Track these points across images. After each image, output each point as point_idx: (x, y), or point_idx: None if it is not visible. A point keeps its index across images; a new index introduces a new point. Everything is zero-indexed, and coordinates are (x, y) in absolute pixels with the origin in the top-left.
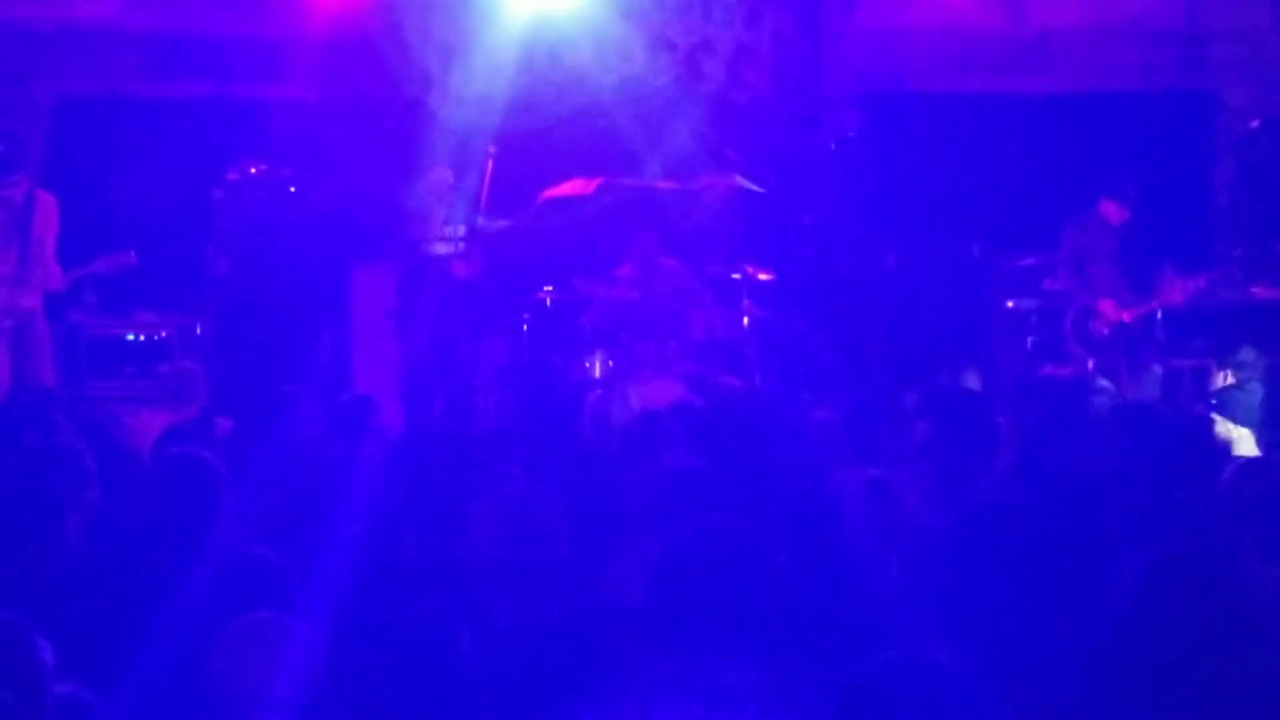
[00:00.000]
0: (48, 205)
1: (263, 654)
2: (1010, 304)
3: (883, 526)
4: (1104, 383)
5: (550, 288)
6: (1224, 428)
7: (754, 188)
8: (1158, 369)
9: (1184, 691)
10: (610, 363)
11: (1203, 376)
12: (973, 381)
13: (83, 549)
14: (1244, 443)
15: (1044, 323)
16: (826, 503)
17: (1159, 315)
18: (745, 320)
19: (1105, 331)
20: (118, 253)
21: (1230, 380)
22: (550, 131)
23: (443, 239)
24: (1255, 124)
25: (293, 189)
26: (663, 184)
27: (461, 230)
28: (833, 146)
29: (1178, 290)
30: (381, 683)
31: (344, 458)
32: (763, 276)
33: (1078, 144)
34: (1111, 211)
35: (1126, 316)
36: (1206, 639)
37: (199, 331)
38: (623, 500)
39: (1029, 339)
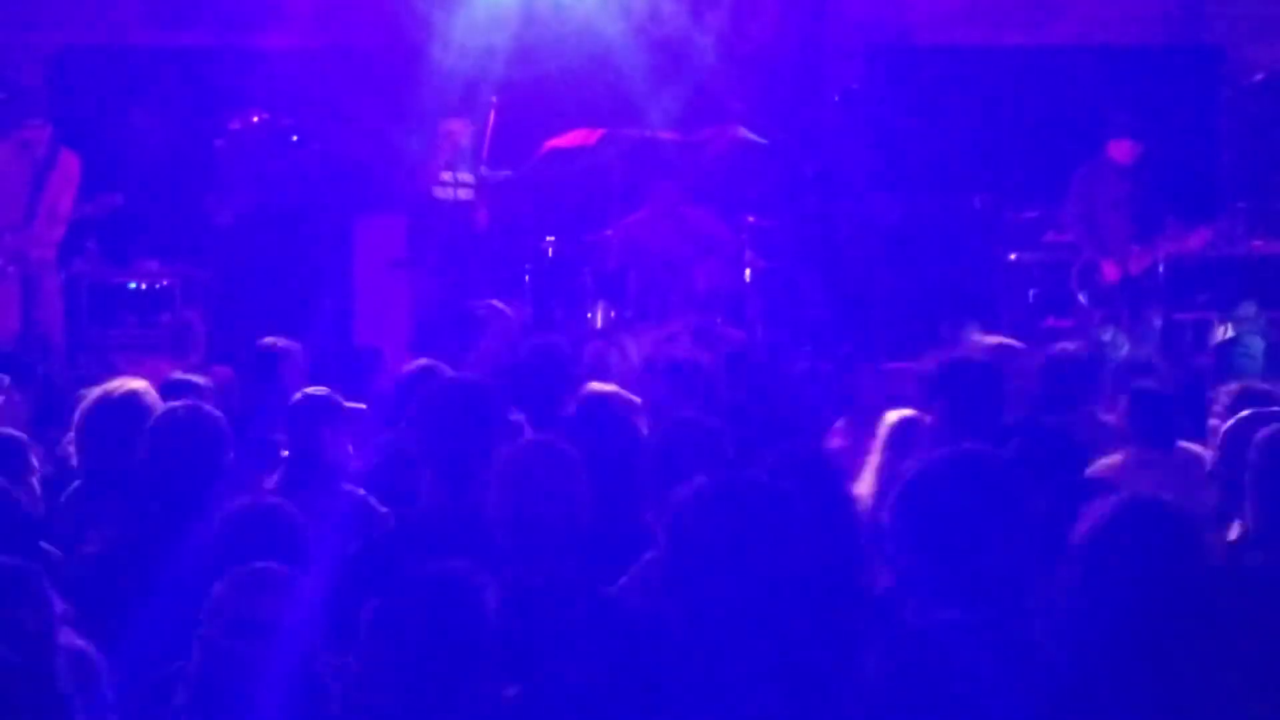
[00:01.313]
0: (69, 164)
1: (264, 605)
2: (1012, 256)
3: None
4: (1109, 335)
5: (553, 238)
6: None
7: (757, 139)
8: (1158, 322)
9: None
10: (612, 314)
11: (1204, 330)
12: (975, 336)
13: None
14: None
15: (1046, 275)
16: (823, 454)
17: (1161, 268)
18: (748, 272)
19: (1111, 282)
20: (104, 194)
21: (1231, 334)
22: (553, 82)
23: (447, 188)
24: (1259, 78)
25: (295, 138)
26: (666, 135)
27: (466, 180)
28: (836, 98)
29: (1181, 243)
30: (390, 637)
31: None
32: (764, 228)
33: (1081, 97)
34: (1120, 151)
35: (1132, 268)
36: (1168, 588)
37: (200, 281)
38: (630, 453)
39: (1031, 291)
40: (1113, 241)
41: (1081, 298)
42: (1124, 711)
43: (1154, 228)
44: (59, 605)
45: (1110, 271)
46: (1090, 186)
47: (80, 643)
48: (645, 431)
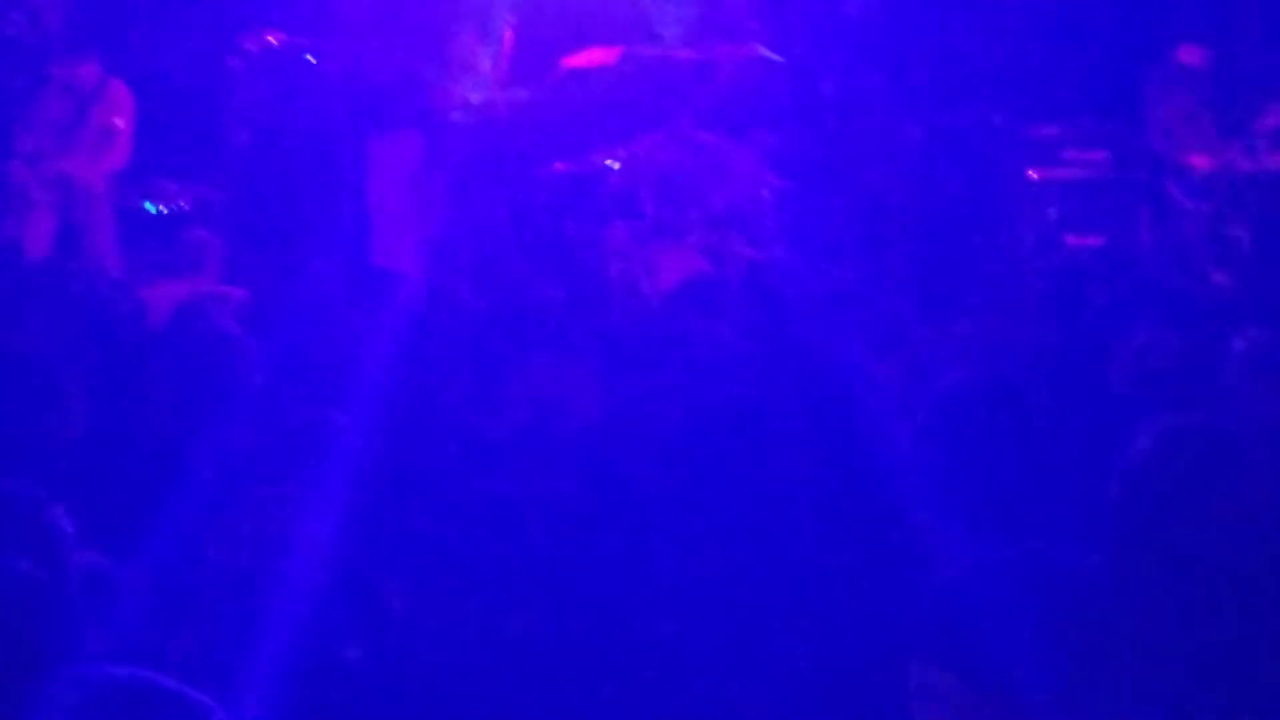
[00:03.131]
0: (119, 95)
1: (280, 527)
2: (1033, 174)
3: (901, 397)
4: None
5: (570, 159)
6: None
7: (774, 56)
8: (1242, 234)
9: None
10: (629, 233)
11: None
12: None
13: (101, 422)
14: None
15: (1067, 193)
16: (845, 375)
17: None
18: (765, 192)
19: (1207, 175)
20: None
21: None
22: (570, 1)
23: (464, 108)
24: None
25: (311, 58)
26: (682, 53)
27: (484, 100)
28: (853, 14)
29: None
30: (409, 561)
31: (367, 331)
32: (782, 147)
33: (1101, 10)
34: (1190, 56)
35: (1217, 168)
36: (1215, 511)
37: (217, 202)
38: (648, 373)
39: (1051, 209)
40: (1195, 145)
41: (1183, 201)
42: (1170, 638)
43: (1235, 133)
44: (69, 525)
45: (1201, 163)
46: (1165, 95)
47: (95, 557)
48: None
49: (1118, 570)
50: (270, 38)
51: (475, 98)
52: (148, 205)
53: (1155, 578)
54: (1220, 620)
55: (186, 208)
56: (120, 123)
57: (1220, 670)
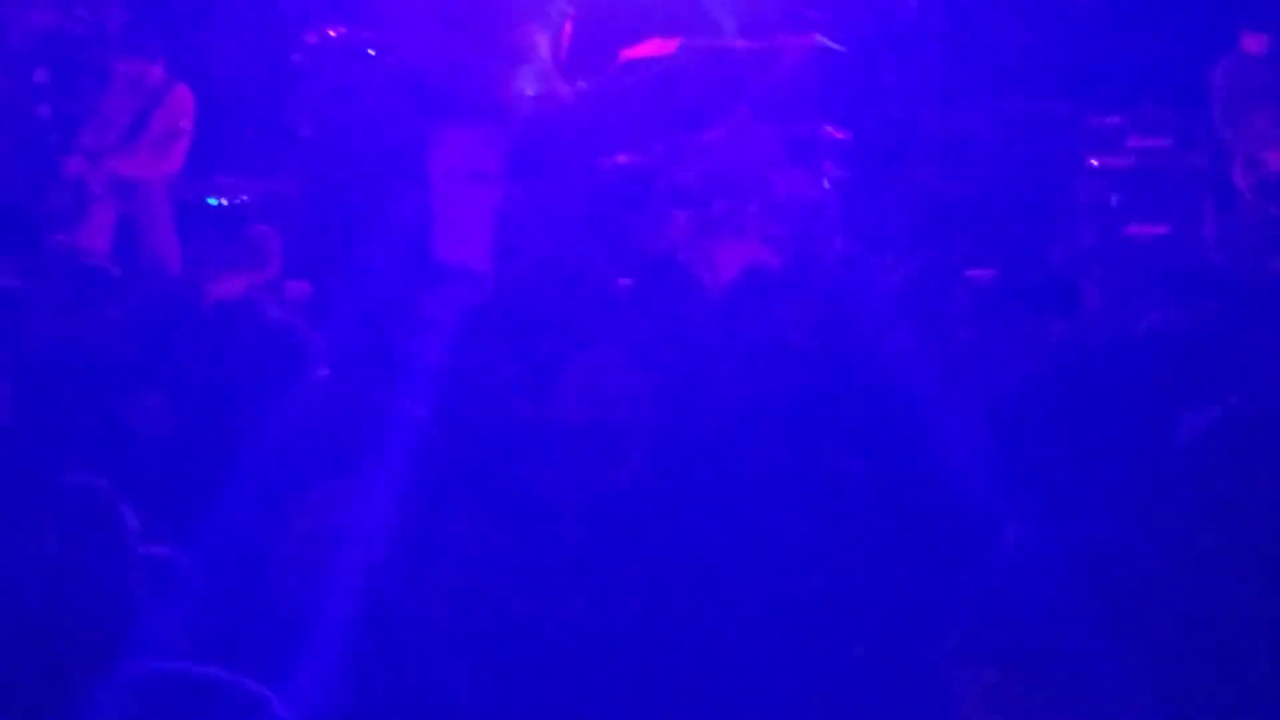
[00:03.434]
0: (182, 98)
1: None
2: (1094, 162)
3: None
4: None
5: (630, 150)
6: None
7: (834, 46)
8: None
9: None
10: (688, 225)
11: None
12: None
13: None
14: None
15: (1128, 181)
16: (901, 367)
17: None
18: (825, 182)
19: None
20: None
21: None
22: None
23: (524, 100)
24: None
25: (372, 51)
26: (742, 43)
27: (543, 92)
28: (914, 3)
29: None
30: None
31: (430, 323)
32: (843, 137)
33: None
34: (1255, 44)
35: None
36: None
37: (279, 196)
38: (708, 367)
39: (1113, 197)
40: (1265, 138)
41: (1248, 194)
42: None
43: None
44: (134, 519)
45: (1276, 161)
46: (1232, 82)
47: (162, 550)
48: None
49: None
50: (331, 31)
51: (535, 89)
52: (210, 200)
53: (1205, 562)
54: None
55: (249, 202)
56: (183, 127)
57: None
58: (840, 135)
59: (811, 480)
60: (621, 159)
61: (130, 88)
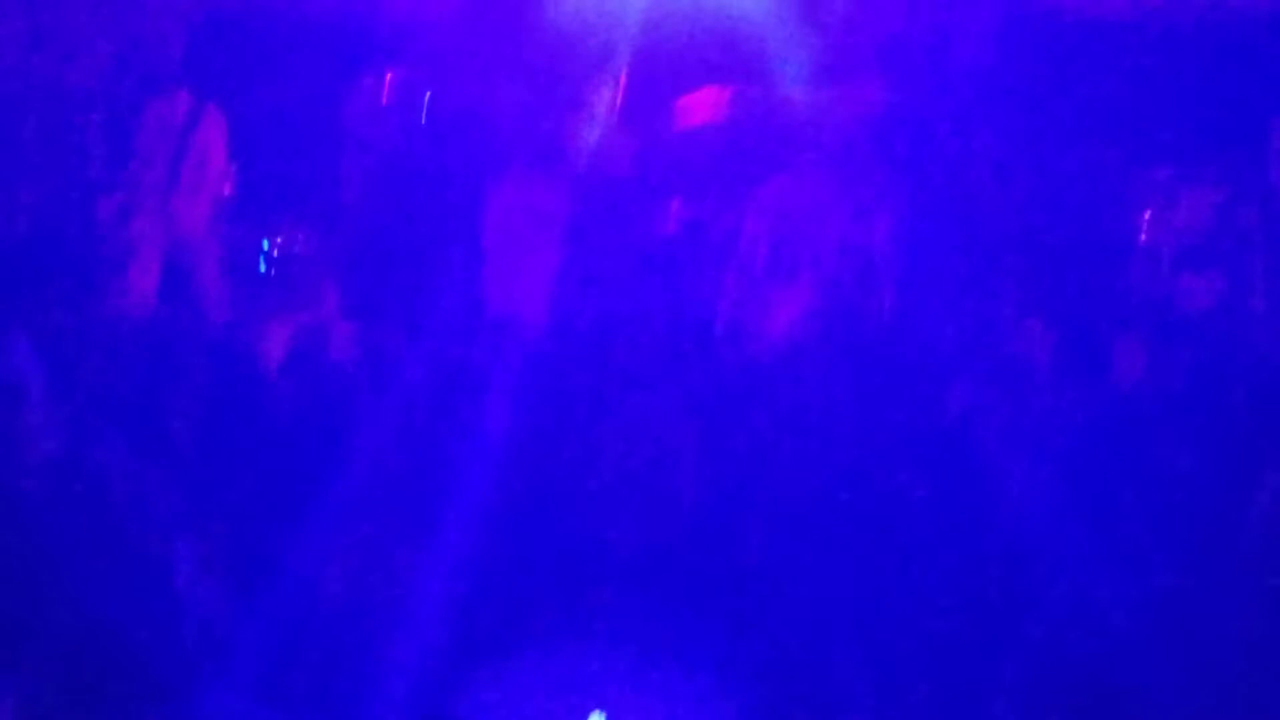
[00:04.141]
0: (213, 126)
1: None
2: (1146, 215)
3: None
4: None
5: (682, 199)
6: None
7: (891, 97)
8: None
9: None
10: (740, 274)
11: None
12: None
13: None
14: None
15: (1180, 234)
16: (962, 416)
17: None
18: (878, 233)
19: None
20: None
21: None
22: (684, 42)
23: (580, 150)
24: None
25: (428, 97)
26: (797, 94)
27: (599, 140)
28: (972, 55)
29: None
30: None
31: (487, 370)
32: (899, 188)
33: (1221, 54)
34: None
35: None
36: None
37: (334, 241)
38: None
39: (1165, 250)
40: None
41: None
42: None
43: None
44: (189, 552)
45: None
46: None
47: (217, 586)
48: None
49: (1236, 611)
50: (389, 75)
51: (592, 138)
52: (264, 242)
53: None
54: None
55: (303, 245)
56: (217, 151)
57: None
58: (898, 186)
59: (871, 524)
60: (677, 208)
61: (160, 124)
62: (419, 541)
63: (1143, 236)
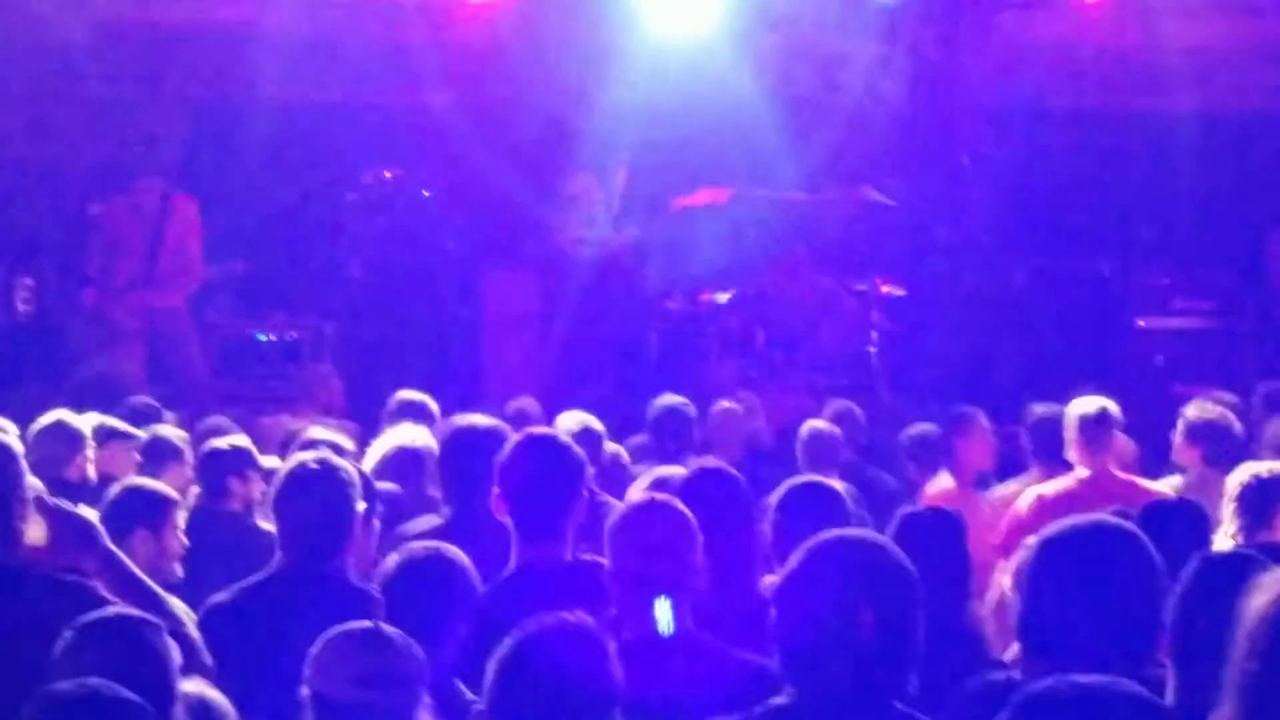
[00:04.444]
0: (186, 208)
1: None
2: (1141, 323)
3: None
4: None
5: (680, 297)
6: None
7: (886, 201)
8: None
9: None
10: (736, 371)
11: None
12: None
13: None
14: None
15: (1174, 341)
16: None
17: None
18: (874, 334)
19: None
20: (230, 261)
21: None
22: (684, 140)
23: (577, 245)
24: None
25: (426, 193)
26: (794, 195)
27: (596, 237)
28: (966, 161)
29: None
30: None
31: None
32: (892, 291)
33: (1216, 163)
34: None
35: None
36: None
37: (330, 334)
38: (756, 508)
39: (1158, 357)
40: None
41: None
42: None
43: None
44: (178, 658)
45: None
46: None
47: (211, 693)
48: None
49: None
50: (386, 172)
51: (589, 234)
52: (260, 336)
53: None
54: None
55: (299, 339)
56: (191, 237)
57: None
58: (889, 288)
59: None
60: (673, 304)
61: (132, 211)
62: (422, 645)
63: (1138, 343)
